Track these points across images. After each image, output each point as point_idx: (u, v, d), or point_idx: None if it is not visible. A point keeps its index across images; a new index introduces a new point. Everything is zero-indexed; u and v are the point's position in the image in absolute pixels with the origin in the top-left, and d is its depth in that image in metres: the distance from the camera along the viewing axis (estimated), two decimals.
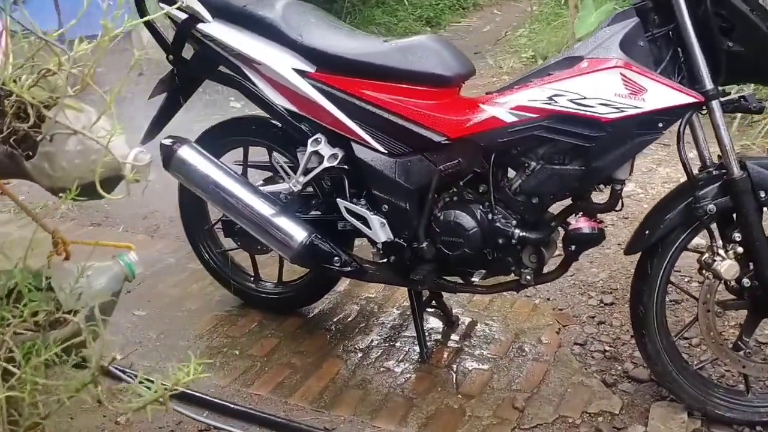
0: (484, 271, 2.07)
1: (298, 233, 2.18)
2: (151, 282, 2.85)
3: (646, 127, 1.77)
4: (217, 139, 2.46)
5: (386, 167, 2.08)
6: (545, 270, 2.10)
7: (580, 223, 1.96)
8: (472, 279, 2.07)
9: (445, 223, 2.05)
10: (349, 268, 2.21)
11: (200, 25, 2.18)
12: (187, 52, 2.28)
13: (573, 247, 1.97)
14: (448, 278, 2.18)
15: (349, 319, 2.54)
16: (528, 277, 2.06)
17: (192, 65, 2.29)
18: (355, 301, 2.66)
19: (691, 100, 1.72)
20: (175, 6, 2.09)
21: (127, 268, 1.58)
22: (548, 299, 2.64)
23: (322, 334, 2.45)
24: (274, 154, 2.34)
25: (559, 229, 2.06)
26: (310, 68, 2.09)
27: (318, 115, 2.12)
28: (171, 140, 2.30)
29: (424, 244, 2.08)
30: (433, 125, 2.00)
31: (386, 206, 2.11)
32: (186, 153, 2.26)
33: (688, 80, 1.79)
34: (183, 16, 2.19)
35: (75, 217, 3.59)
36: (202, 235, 2.61)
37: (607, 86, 1.76)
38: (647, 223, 1.90)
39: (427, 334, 2.41)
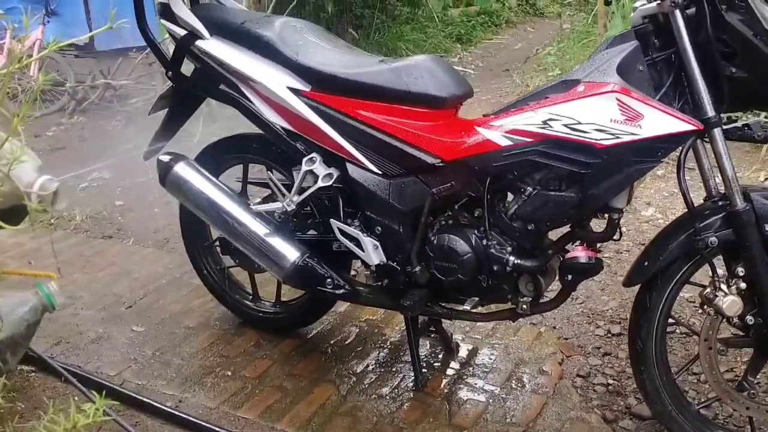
0: (476, 299, 2.00)
1: (291, 253, 2.14)
2: (152, 297, 2.84)
3: (644, 154, 1.69)
4: (218, 156, 2.44)
5: (380, 188, 2.03)
6: (544, 299, 2.03)
7: (576, 252, 1.88)
8: (464, 307, 2.00)
9: (439, 247, 1.99)
10: (342, 291, 2.16)
11: (198, 42, 2.17)
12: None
13: (569, 277, 1.90)
14: (444, 304, 2.12)
15: (347, 342, 2.49)
16: (524, 306, 1.99)
17: (192, 83, 2.28)
18: (355, 323, 2.61)
19: (689, 127, 1.64)
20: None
21: (46, 298, 1.54)
22: (554, 327, 2.55)
23: (317, 357, 2.40)
24: (271, 172, 2.31)
25: (559, 256, 1.99)
26: (304, 87, 2.05)
27: (313, 135, 2.08)
28: (168, 157, 2.28)
29: (417, 269, 2.02)
30: (428, 147, 1.94)
31: (379, 228, 2.06)
32: (182, 170, 2.24)
33: (690, 106, 1.71)
34: (182, 32, 2.19)
35: (88, 229, 3.61)
36: (201, 251, 2.59)
37: (603, 111, 1.69)
38: (647, 255, 1.82)
39: (424, 359, 2.34)
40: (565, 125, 1.74)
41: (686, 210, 1.77)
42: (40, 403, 2.18)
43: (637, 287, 1.87)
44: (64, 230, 3.59)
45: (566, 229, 1.96)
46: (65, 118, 6.28)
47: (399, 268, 2.07)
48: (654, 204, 3.53)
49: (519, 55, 8.53)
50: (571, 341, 2.46)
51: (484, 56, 8.65)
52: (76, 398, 2.19)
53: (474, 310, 2.05)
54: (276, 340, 2.50)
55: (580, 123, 1.72)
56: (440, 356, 2.38)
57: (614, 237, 1.87)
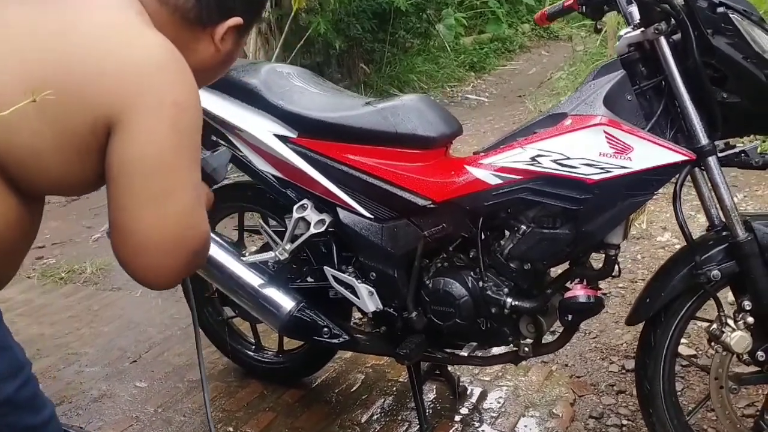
0: (474, 344, 1.93)
1: (285, 303, 2.09)
2: (157, 350, 2.80)
3: (637, 187, 1.63)
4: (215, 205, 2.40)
5: (372, 233, 1.98)
6: (547, 339, 1.96)
7: (575, 291, 1.80)
8: (461, 353, 1.93)
9: (434, 291, 1.93)
10: (339, 340, 2.10)
11: None
12: None
13: (569, 317, 1.82)
14: (447, 349, 2.05)
15: (353, 389, 2.42)
16: (526, 349, 1.92)
17: None
18: (361, 368, 2.54)
19: (681, 158, 1.58)
20: None
21: None
22: (566, 365, 2.46)
23: (322, 407, 2.33)
24: (266, 220, 2.27)
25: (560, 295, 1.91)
26: (291, 134, 2.02)
27: (302, 181, 2.04)
28: None
29: (414, 314, 1.96)
30: (418, 189, 1.89)
31: (374, 274, 2.01)
32: None
33: (684, 134, 1.64)
34: None
35: (97, 282, 3.59)
36: (202, 301, 2.55)
37: (591, 145, 1.63)
38: (648, 291, 1.74)
39: (430, 406, 2.27)
40: (554, 161, 1.68)
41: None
42: None
43: (642, 325, 1.79)
44: (74, 284, 3.58)
45: (567, 266, 1.90)
46: None
47: (396, 314, 2.01)
48: (670, 229, 3.42)
49: (533, 80, 8.46)
50: (583, 379, 2.37)
51: (498, 83, 8.59)
52: None
53: (474, 354, 1.98)
54: (280, 391, 2.44)
55: (568, 158, 1.66)
56: (447, 401, 2.31)
57: (613, 274, 1.80)
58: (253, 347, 2.52)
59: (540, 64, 9.70)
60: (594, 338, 2.60)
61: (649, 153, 1.58)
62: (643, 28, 1.62)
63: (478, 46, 9.30)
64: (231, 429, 2.26)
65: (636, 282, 2.96)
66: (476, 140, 5.53)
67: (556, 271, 1.94)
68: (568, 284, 1.87)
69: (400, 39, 7.69)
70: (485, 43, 9.72)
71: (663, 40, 1.60)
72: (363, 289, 2.00)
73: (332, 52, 6.84)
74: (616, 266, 1.79)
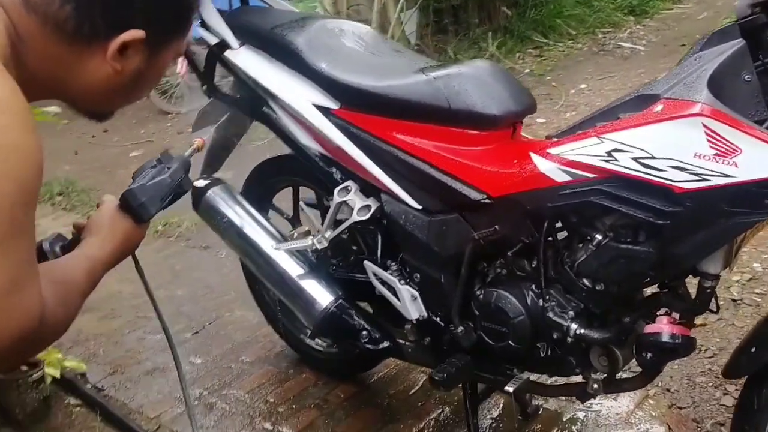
0: (524, 377, 1.57)
1: (322, 299, 1.82)
2: (222, 322, 2.65)
3: (744, 203, 1.19)
4: (269, 177, 2.18)
5: (418, 227, 1.65)
6: (622, 374, 1.57)
7: (659, 324, 1.39)
8: (506, 387, 1.58)
9: (486, 304, 1.59)
10: (380, 346, 1.81)
11: (227, 52, 1.89)
12: None
13: (648, 355, 1.41)
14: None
15: (410, 393, 2.14)
16: (596, 385, 1.54)
17: (228, 99, 2.01)
18: (424, 369, 2.24)
19: None
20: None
21: None
22: (667, 390, 2.03)
23: (370, 412, 2.08)
24: (317, 199, 2.01)
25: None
26: (333, 105, 1.72)
27: (344, 160, 1.75)
28: (204, 181, 2.04)
29: (460, 329, 1.63)
30: (471, 179, 1.54)
31: (418, 276, 1.70)
32: (214, 196, 1.99)
33: None
34: (215, 40, 1.92)
35: (190, 238, 3.51)
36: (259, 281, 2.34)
37: (684, 143, 1.21)
38: (755, 338, 1.31)
39: (492, 425, 1.95)
40: (635, 159, 1.27)
41: None
42: None
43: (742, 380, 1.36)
44: (167, 238, 3.53)
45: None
46: None
47: (442, 324, 1.69)
48: None
49: (702, 26, 7.47)
50: (686, 412, 1.94)
51: (660, 29, 7.69)
52: None
53: (533, 380, 1.63)
54: (331, 385, 2.21)
55: (653, 157, 1.24)
56: (513, 422, 1.97)
57: (711, 309, 1.37)
58: (309, 332, 2.29)
59: (713, 8, 8.61)
60: (710, 358, 2.14)
61: (764, 158, 1.13)
62: None
63: None
64: (269, 425, 2.06)
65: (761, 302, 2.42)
66: (616, 96, 4.95)
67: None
68: (657, 313, 1.47)
69: None
70: None
71: None
72: (405, 291, 1.70)
73: None
74: (714, 301, 1.36)
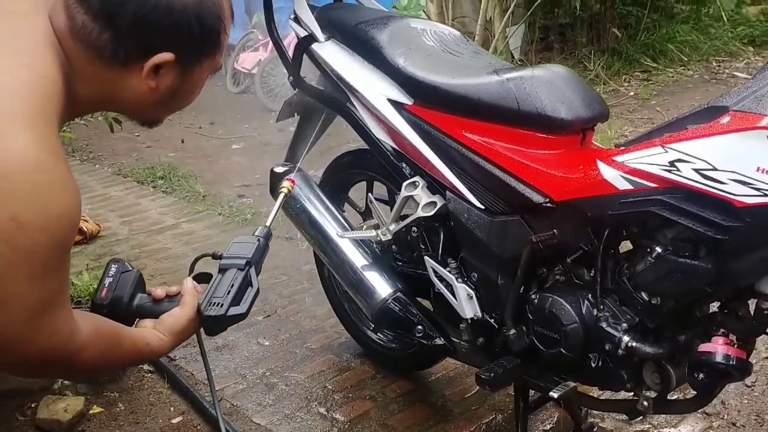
0: (570, 385, 1.55)
1: (382, 290, 1.85)
2: (293, 308, 2.73)
3: None
4: (345, 170, 2.24)
5: (479, 227, 1.66)
6: (674, 395, 1.52)
7: (714, 344, 1.35)
8: (551, 393, 1.55)
9: (539, 309, 1.58)
10: (433, 342, 1.82)
11: (314, 45, 1.97)
12: None
13: (700, 376, 1.37)
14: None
15: (465, 396, 2.14)
16: (646, 403, 1.50)
17: (314, 91, 2.07)
18: None
19: None
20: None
21: None
22: (733, 424, 1.94)
23: (422, 410, 2.08)
24: (370, 195, 2.06)
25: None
26: (407, 100, 1.76)
27: (414, 156, 1.78)
28: (282, 168, 2.12)
29: (513, 332, 1.62)
30: (534, 181, 1.54)
31: (475, 275, 1.70)
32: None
33: None
34: (304, 33, 2.00)
35: (275, 228, 3.61)
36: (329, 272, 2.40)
37: (748, 156, 1.18)
38: None
39: None
40: (696, 170, 1.24)
41: None
42: (139, 406, 2.17)
43: None
44: (253, 228, 3.64)
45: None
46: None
47: (497, 326, 1.69)
48: None
49: None
50: None
51: None
52: (172, 408, 2.17)
53: (582, 391, 1.61)
54: (388, 380, 2.23)
55: (715, 169, 1.22)
56: None
57: (766, 331, 1.31)
58: (372, 325, 2.32)
59: None
60: None
61: None
62: None
63: (765, 17, 7.98)
64: (323, 411, 2.11)
65: None
66: None
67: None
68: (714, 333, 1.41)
69: (664, 4, 6.85)
70: None
71: None
72: (462, 290, 1.71)
73: (580, 13, 6.27)
74: None
